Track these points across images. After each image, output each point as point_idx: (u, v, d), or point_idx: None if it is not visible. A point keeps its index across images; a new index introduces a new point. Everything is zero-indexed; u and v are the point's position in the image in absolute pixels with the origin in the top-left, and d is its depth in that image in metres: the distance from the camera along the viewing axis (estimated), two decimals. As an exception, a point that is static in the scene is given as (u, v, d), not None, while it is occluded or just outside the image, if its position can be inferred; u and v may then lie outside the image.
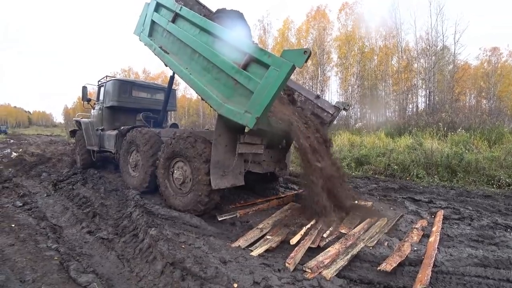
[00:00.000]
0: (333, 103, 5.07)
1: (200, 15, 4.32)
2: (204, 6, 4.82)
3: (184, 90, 44.38)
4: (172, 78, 6.50)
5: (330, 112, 4.88)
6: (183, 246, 2.88)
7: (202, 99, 3.85)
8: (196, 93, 3.95)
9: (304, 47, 2.85)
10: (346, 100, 23.60)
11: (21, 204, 4.59)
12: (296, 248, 2.93)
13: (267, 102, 2.95)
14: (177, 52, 4.37)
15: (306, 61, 2.82)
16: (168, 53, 4.47)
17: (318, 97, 5.10)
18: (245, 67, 3.24)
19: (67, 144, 15.97)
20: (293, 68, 2.83)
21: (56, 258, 2.79)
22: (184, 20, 4.27)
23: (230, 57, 3.42)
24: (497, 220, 3.98)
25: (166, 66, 4.56)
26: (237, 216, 4.06)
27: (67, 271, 2.54)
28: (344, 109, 4.98)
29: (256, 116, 3.01)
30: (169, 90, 6.69)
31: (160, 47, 4.60)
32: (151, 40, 4.92)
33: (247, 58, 3.21)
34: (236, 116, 3.22)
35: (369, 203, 4.52)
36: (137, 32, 5.39)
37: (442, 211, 4.39)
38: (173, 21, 4.44)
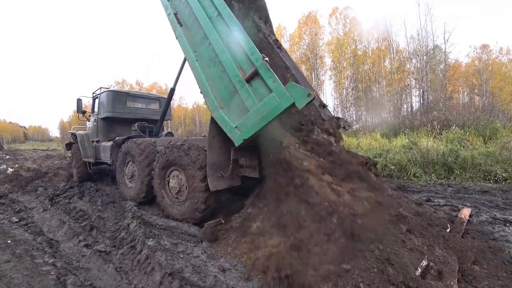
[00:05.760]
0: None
1: None
2: None
3: (179, 100, 44.56)
4: (172, 90, 6.62)
5: None
6: (181, 256, 2.86)
7: (201, 92, 3.64)
8: (197, 84, 3.67)
9: (310, 90, 2.62)
10: (342, 103, 23.80)
11: (17, 220, 4.53)
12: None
13: (257, 128, 2.84)
14: (191, 28, 3.88)
15: (307, 105, 2.68)
16: (181, 25, 4.02)
17: (324, 106, 4.72)
18: (249, 79, 3.02)
19: (64, 158, 15.87)
20: (293, 105, 2.63)
21: (53, 272, 2.75)
22: None
23: (238, 60, 3.16)
24: (495, 215, 4.00)
25: (176, 39, 4.08)
26: (221, 222, 3.96)
27: (64, 286, 2.51)
28: (344, 127, 4.70)
29: (244, 138, 2.93)
30: (168, 101, 6.78)
31: (175, 14, 4.10)
32: (168, 0, 4.30)
33: (253, 71, 2.94)
34: (226, 127, 3.14)
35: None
36: None
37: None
38: None
